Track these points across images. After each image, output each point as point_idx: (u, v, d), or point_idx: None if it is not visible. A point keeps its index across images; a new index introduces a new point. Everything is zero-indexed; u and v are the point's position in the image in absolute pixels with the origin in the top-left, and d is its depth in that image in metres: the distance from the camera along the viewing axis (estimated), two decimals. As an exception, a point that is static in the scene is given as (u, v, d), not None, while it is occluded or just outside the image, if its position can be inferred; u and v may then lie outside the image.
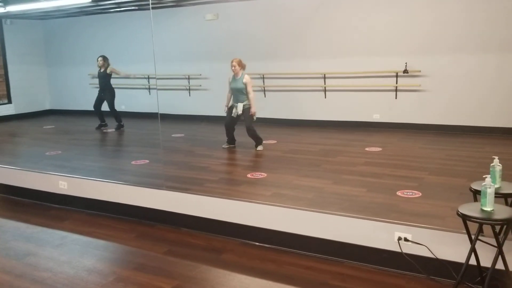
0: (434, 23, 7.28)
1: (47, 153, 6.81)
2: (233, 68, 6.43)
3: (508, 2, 6.71)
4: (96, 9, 9.58)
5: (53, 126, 9.76)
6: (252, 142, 6.57)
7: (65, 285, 3.39)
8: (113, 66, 8.86)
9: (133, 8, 9.44)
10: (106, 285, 3.37)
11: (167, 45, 9.52)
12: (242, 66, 6.45)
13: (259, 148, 6.46)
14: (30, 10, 9.14)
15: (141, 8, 9.26)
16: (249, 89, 6.38)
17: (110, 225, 4.65)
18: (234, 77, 6.49)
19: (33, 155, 6.91)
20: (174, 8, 9.32)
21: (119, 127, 8.83)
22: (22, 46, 11.15)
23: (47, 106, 11.82)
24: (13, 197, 5.69)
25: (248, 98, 6.39)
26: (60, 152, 6.91)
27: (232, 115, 6.46)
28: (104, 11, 9.87)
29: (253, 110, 6.36)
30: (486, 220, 2.67)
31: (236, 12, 8.86)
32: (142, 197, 4.70)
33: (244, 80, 6.39)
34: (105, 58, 8.79)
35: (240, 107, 6.37)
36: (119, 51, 10.39)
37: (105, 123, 8.98)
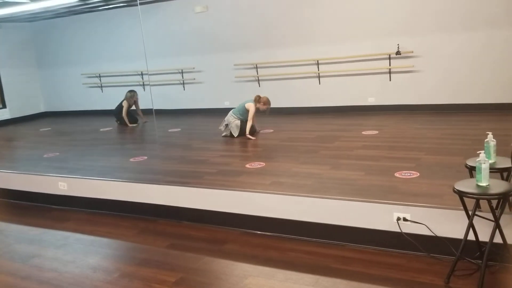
0: (424, 2, 7.26)
1: (45, 156, 6.81)
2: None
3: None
4: (84, 8, 9.54)
5: (49, 128, 9.75)
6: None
7: (71, 284, 3.42)
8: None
9: (121, 5, 9.39)
10: (111, 281, 3.40)
11: (158, 40, 9.50)
12: (257, 101, 6.81)
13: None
14: (17, 13, 9.09)
15: (129, 4, 9.22)
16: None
17: (112, 222, 4.68)
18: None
19: (31, 158, 6.91)
20: (162, 3, 9.28)
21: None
22: (12, 50, 11.10)
23: (42, 109, 11.80)
24: (14, 200, 5.70)
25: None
26: (58, 153, 6.92)
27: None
28: (92, 9, 9.83)
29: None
30: (482, 195, 2.70)
31: (225, 3, 8.83)
32: (142, 193, 4.72)
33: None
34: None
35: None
36: (110, 49, 10.37)
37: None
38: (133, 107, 9.08)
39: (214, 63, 9.30)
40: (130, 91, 9.05)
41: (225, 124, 6.82)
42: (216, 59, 9.24)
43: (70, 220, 4.88)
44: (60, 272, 3.64)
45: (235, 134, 6.68)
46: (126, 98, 8.93)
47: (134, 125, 8.95)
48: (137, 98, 9.05)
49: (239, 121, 6.68)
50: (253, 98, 6.79)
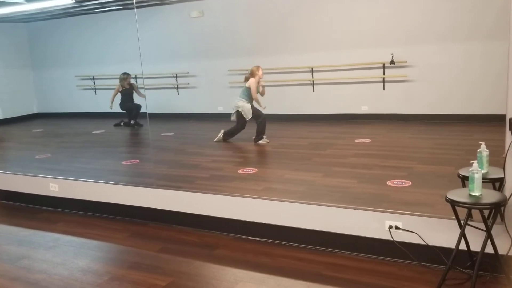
0: (419, 13, 7.33)
1: (37, 157, 6.77)
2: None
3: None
4: (80, 10, 9.52)
5: (42, 130, 9.70)
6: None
7: (60, 287, 3.39)
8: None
9: (117, 7, 9.39)
10: (101, 284, 3.37)
11: (153, 44, 9.49)
12: (251, 74, 6.87)
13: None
14: (13, 13, 9.06)
15: (125, 7, 9.22)
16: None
17: (103, 225, 4.65)
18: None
19: (22, 159, 6.87)
20: (158, 6, 9.29)
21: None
22: (7, 50, 11.05)
23: (35, 110, 11.74)
24: (4, 201, 5.65)
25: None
26: (49, 155, 6.87)
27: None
28: (88, 11, 9.82)
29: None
30: (474, 204, 2.71)
31: (221, 9, 8.86)
32: (134, 196, 4.70)
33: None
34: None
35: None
36: (104, 52, 10.35)
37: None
38: (132, 107, 9.04)
39: (209, 68, 9.31)
40: (124, 73, 9.03)
41: (235, 111, 6.83)
42: (211, 64, 9.25)
43: (60, 222, 4.84)
44: (49, 274, 3.61)
45: (247, 117, 6.71)
46: (119, 81, 8.99)
47: (133, 122, 8.93)
48: (130, 81, 9.04)
49: (249, 105, 6.75)
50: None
